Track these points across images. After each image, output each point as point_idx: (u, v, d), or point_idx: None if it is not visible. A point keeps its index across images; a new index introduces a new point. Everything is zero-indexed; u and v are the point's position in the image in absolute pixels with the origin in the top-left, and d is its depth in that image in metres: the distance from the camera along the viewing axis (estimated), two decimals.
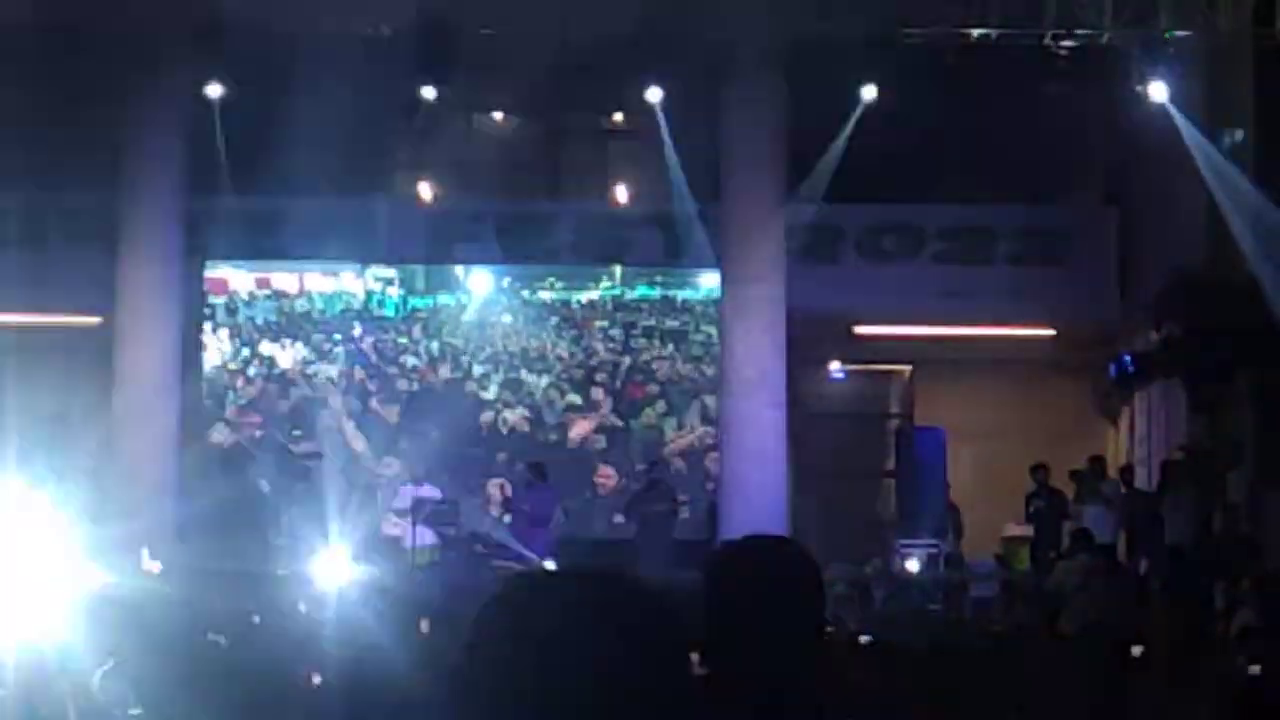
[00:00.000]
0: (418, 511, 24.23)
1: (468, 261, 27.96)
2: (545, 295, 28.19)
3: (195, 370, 26.89)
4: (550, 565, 23.14)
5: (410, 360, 28.27)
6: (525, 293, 28.22)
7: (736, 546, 4.32)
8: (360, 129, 26.13)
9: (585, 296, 28.11)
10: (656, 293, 28.01)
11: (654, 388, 28.04)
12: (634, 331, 28.01)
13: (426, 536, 24.24)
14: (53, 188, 26.39)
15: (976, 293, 27.29)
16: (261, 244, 27.40)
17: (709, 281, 27.16)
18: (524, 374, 28.04)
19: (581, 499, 26.97)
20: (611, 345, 28.09)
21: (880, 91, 24.01)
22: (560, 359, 28.14)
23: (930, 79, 23.54)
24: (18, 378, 25.69)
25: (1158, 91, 23.49)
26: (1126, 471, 25.71)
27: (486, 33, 23.28)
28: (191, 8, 23.34)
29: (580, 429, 27.69)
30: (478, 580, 22.80)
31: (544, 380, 28.04)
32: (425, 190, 28.41)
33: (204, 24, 23.55)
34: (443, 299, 28.43)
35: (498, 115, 29.62)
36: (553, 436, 27.77)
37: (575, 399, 27.94)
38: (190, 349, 26.19)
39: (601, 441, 27.73)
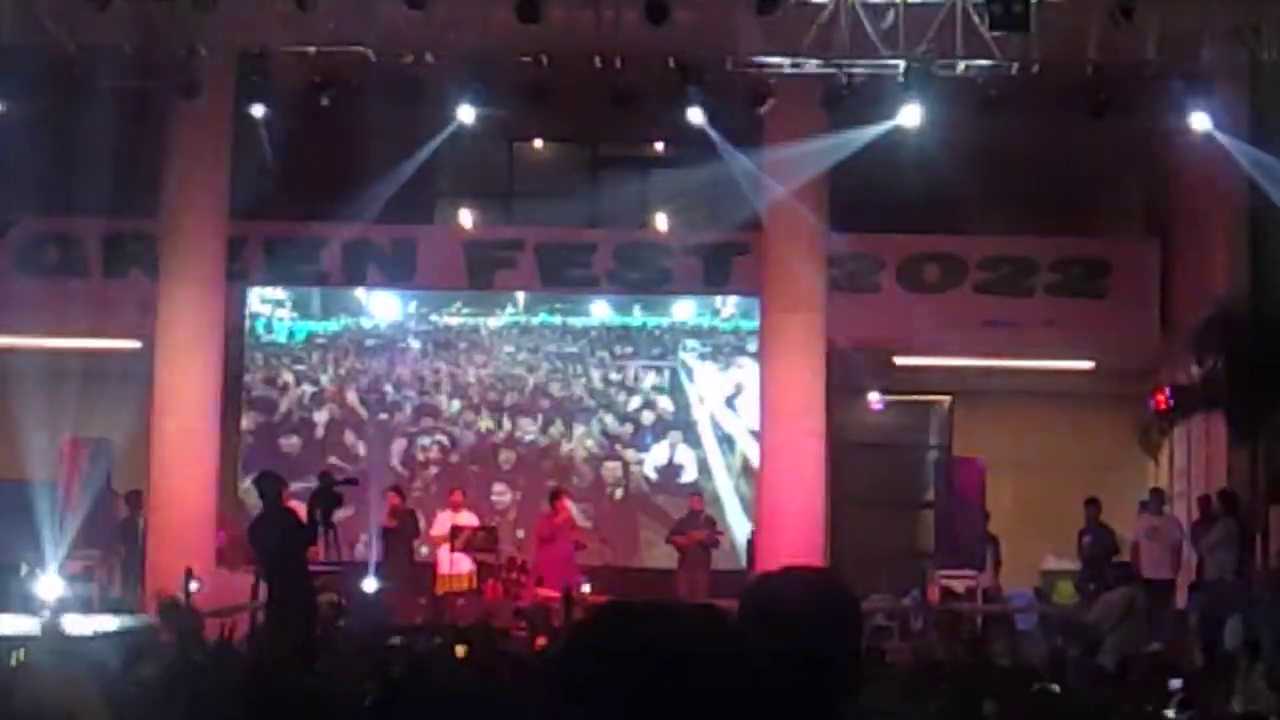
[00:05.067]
0: (454, 538, 24.24)
1: (507, 289, 28.01)
2: (452, 320, 28.24)
3: (235, 394, 26.98)
4: (586, 589, 23.16)
5: (309, 389, 28.23)
6: (433, 317, 28.25)
7: (773, 578, 4.29)
8: (401, 156, 26.19)
9: (491, 322, 28.20)
10: (557, 319, 28.25)
11: (554, 408, 28.31)
12: (537, 356, 28.18)
13: (462, 564, 24.25)
14: (94, 213, 26.51)
15: (1017, 324, 27.25)
16: (301, 270, 27.48)
17: (600, 310, 28.18)
18: (436, 398, 28.13)
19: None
20: (517, 369, 28.23)
21: (921, 122, 23.98)
22: (469, 384, 28.23)
23: (972, 110, 23.51)
24: (59, 402, 25.81)
25: (1201, 121, 23.32)
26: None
27: (527, 60, 23.32)
28: (234, 33, 23.41)
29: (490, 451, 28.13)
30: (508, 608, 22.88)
31: (456, 404, 28.14)
32: (465, 217, 28.46)
33: (246, 50, 23.62)
34: (344, 323, 28.35)
35: (538, 143, 29.69)
36: (462, 460, 28.01)
37: (488, 422, 28.06)
38: (231, 373, 26.26)
39: (511, 460, 27.96)
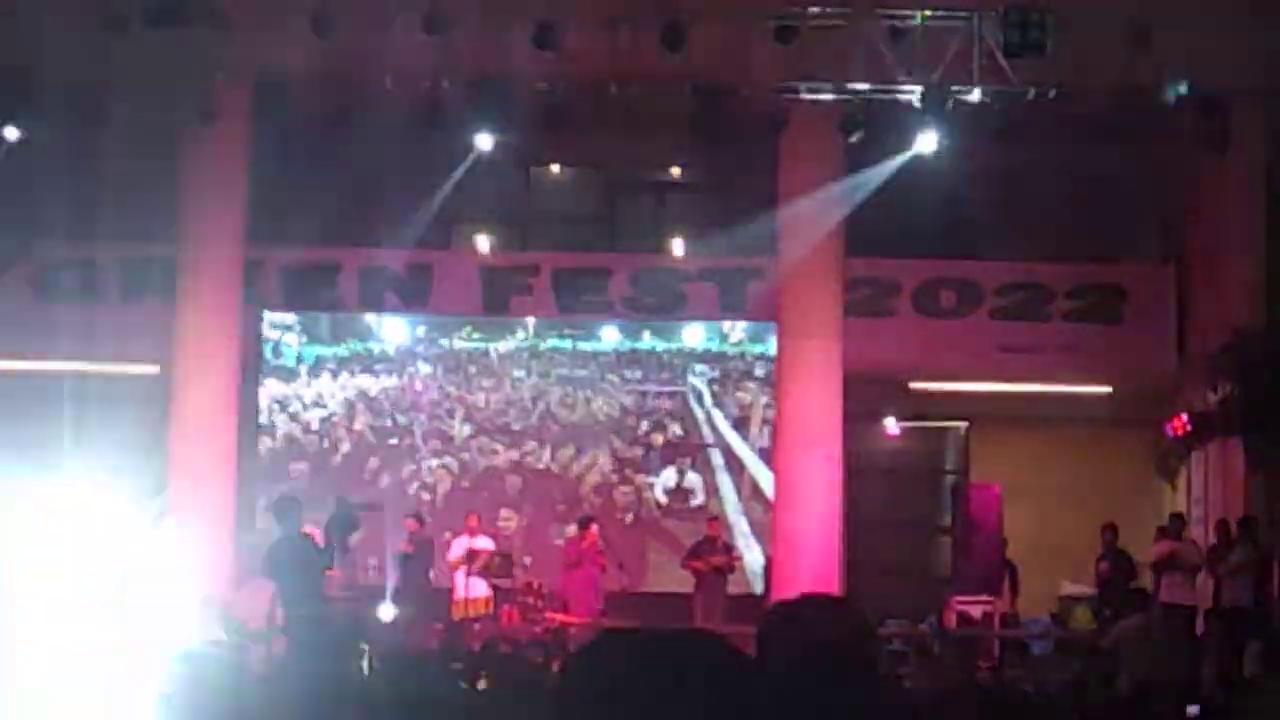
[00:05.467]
0: (471, 563, 24.23)
1: (523, 314, 28.03)
2: (462, 344, 28.27)
3: (251, 419, 27.01)
4: (606, 622, 23.10)
5: (317, 413, 28.24)
6: (443, 341, 28.27)
7: (790, 606, 4.30)
8: (417, 181, 26.22)
9: (501, 346, 28.23)
10: (567, 344, 28.26)
11: (564, 432, 28.31)
12: (548, 380, 28.21)
13: (479, 588, 24.24)
14: (111, 238, 26.55)
15: (1033, 349, 27.22)
16: (318, 295, 27.51)
17: (610, 335, 28.22)
18: (446, 423, 28.14)
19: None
20: (527, 393, 28.25)
21: (938, 148, 23.99)
22: (479, 408, 28.23)
23: (988, 136, 23.50)
24: (77, 426, 25.84)
25: (1219, 148, 23.30)
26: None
27: (544, 86, 23.35)
28: (251, 59, 23.46)
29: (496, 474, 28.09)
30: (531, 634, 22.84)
31: (466, 429, 28.14)
32: (482, 243, 28.50)
33: (263, 75, 23.68)
34: (353, 348, 28.36)
35: (555, 169, 29.73)
36: (473, 484, 27.99)
37: (498, 446, 28.08)
38: (247, 398, 26.29)
39: (520, 485, 27.98)
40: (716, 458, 28.03)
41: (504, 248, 28.77)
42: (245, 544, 25.00)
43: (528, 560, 26.74)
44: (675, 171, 29.36)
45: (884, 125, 23.58)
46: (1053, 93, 22.80)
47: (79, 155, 25.75)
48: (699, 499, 27.91)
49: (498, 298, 27.84)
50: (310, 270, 27.41)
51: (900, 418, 28.54)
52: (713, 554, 25.38)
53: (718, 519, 26.64)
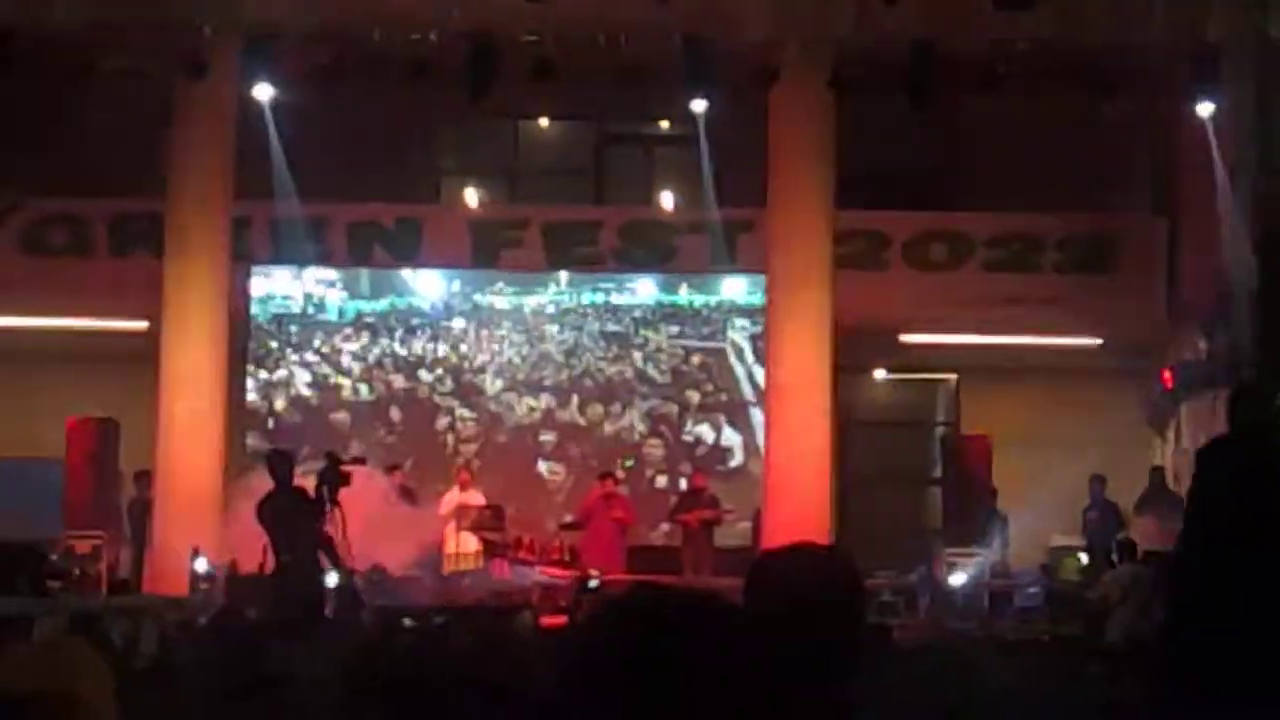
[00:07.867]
0: (461, 517, 24.25)
1: (512, 268, 27.94)
2: (496, 299, 28.23)
3: (241, 375, 26.99)
4: (595, 575, 23.06)
5: (357, 366, 28.25)
6: (477, 296, 28.24)
7: (779, 555, 4.29)
8: (406, 135, 26.15)
9: (535, 301, 28.18)
10: (601, 298, 28.17)
11: (598, 388, 28.22)
12: (581, 335, 28.16)
13: (469, 543, 24.24)
14: (100, 193, 26.49)
15: (1024, 301, 27.19)
16: (307, 249, 27.43)
17: (645, 289, 28.09)
18: (479, 377, 28.10)
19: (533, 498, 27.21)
20: (561, 348, 28.19)
21: (928, 99, 23.91)
22: (512, 363, 28.21)
23: (979, 87, 23.46)
24: (66, 383, 25.85)
25: (1205, 107, 23.37)
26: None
27: (532, 39, 23.29)
28: (240, 13, 23.39)
29: (532, 431, 28.03)
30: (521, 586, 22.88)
31: (499, 383, 28.10)
32: (471, 196, 28.43)
33: (252, 30, 23.61)
34: (391, 302, 28.33)
35: (543, 122, 29.65)
36: (505, 439, 27.93)
37: (532, 401, 28.05)
38: (237, 353, 26.26)
39: (553, 440, 27.94)
40: (757, 416, 27.55)
41: (493, 201, 28.70)
42: (235, 496, 25.04)
43: (569, 517, 26.40)
44: (664, 124, 29.27)
45: (874, 76, 23.56)
46: (1042, 43, 22.76)
47: (68, 110, 25.71)
48: (738, 458, 27.67)
49: (486, 251, 27.76)
50: (298, 224, 27.31)
51: (890, 370, 28.53)
52: (699, 506, 25.34)
53: (703, 470, 26.52)
